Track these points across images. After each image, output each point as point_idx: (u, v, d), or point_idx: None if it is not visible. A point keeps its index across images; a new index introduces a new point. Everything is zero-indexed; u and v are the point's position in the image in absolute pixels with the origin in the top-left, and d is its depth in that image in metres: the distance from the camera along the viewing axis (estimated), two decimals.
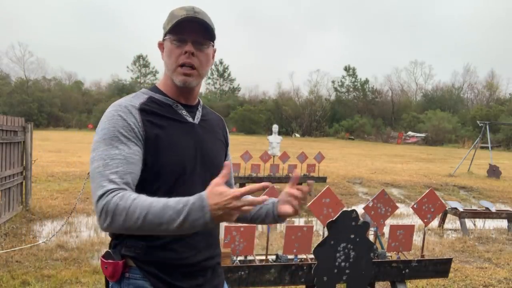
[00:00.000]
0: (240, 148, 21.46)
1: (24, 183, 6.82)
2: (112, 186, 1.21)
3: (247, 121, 47.63)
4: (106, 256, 1.37)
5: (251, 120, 47.67)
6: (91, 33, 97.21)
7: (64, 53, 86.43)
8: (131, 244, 1.36)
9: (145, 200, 1.19)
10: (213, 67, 64.69)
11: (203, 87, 65.84)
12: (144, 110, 1.37)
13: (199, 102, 1.56)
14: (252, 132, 46.50)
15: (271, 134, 13.55)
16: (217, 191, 1.17)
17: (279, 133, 14.68)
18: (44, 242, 5.34)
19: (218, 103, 55.42)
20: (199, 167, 1.44)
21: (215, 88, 65.69)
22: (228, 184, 1.59)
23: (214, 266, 1.51)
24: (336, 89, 59.10)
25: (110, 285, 1.40)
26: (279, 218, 1.48)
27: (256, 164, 9.83)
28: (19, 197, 6.70)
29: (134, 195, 1.21)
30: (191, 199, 1.18)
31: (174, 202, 1.18)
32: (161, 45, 1.47)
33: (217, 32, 1.51)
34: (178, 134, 1.41)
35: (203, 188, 1.40)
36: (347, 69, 58.73)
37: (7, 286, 3.93)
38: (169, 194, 1.32)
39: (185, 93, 1.46)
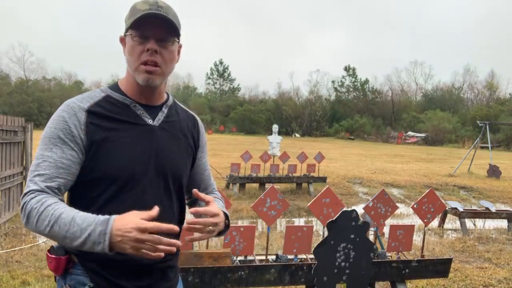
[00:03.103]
0: (240, 148, 21.47)
1: (24, 183, 6.82)
2: (34, 187, 1.22)
3: (247, 121, 47.65)
4: (51, 250, 1.36)
5: (251, 120, 47.68)
6: (91, 33, 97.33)
7: (64, 53, 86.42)
8: None
9: (59, 209, 1.16)
10: (213, 66, 64.72)
11: (203, 87, 65.81)
12: (93, 112, 1.31)
13: (166, 101, 1.47)
14: (252, 132, 46.51)
15: (271, 134, 13.53)
16: (125, 217, 1.11)
17: (279, 133, 14.66)
18: (44, 242, 5.34)
19: (218, 103, 55.44)
20: (151, 174, 1.36)
21: (215, 88, 65.67)
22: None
23: (164, 269, 1.43)
24: (336, 89, 59.11)
25: (56, 279, 1.40)
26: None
27: (256, 164, 9.84)
28: (19, 197, 6.69)
29: (50, 200, 1.19)
30: (99, 219, 1.13)
31: (82, 218, 1.14)
32: (122, 40, 1.38)
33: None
34: (131, 137, 1.34)
35: (155, 196, 1.34)
36: (347, 69, 58.73)
37: (7, 286, 3.93)
38: (111, 201, 1.30)
39: (147, 93, 1.38)
